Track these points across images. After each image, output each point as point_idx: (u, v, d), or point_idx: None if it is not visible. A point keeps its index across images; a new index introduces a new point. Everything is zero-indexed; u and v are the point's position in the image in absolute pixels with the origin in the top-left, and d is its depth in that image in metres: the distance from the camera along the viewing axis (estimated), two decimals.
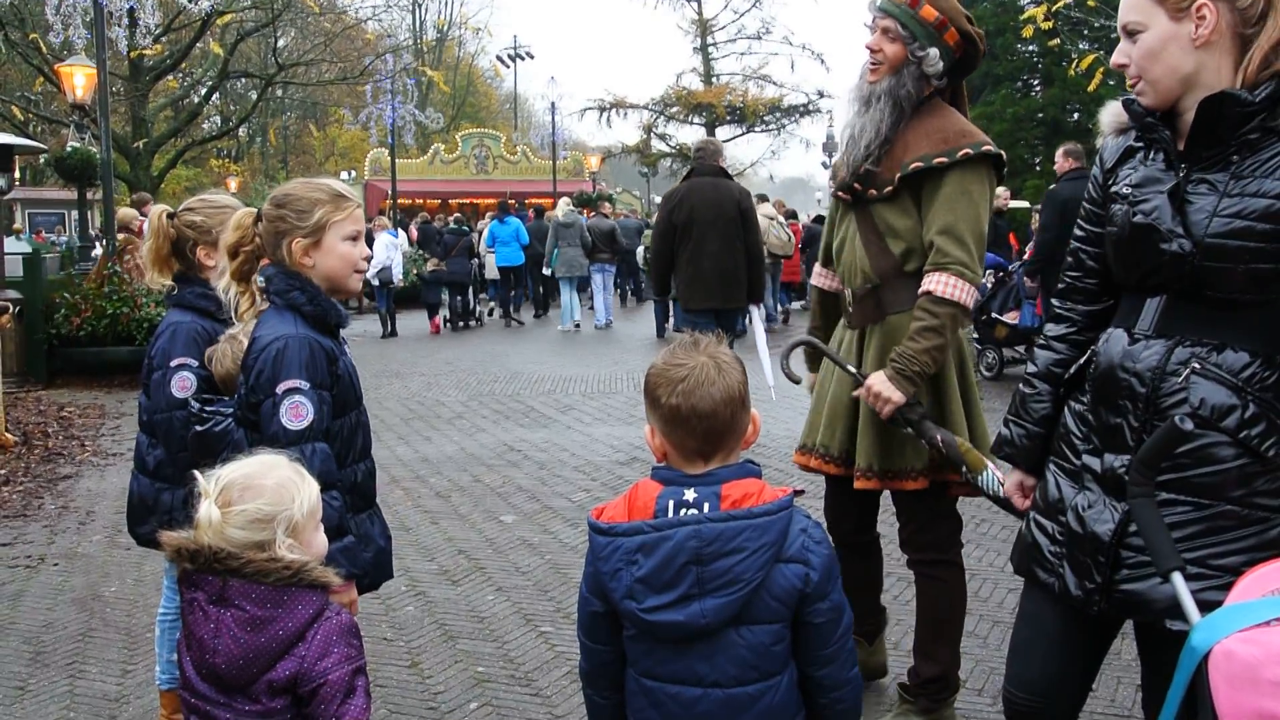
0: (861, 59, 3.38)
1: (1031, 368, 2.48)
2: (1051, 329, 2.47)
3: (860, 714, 2.13)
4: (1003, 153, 3.32)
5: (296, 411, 2.56)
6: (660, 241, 7.98)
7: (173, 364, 3.23)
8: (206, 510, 2.04)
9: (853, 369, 3.34)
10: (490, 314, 19.58)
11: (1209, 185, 2.09)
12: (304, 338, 2.62)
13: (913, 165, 3.23)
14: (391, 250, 16.84)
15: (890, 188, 3.28)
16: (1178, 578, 1.90)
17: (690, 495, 1.97)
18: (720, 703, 1.96)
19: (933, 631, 3.46)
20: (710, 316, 7.75)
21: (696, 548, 1.91)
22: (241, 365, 2.67)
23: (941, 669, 3.42)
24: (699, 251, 7.73)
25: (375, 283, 16.37)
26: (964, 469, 3.16)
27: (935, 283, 3.19)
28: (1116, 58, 2.22)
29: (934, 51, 3.24)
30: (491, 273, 19.02)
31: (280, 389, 2.56)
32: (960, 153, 3.21)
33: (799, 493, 2.03)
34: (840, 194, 3.44)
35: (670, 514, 1.96)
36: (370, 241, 20.96)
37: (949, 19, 3.24)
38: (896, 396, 3.17)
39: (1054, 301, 2.49)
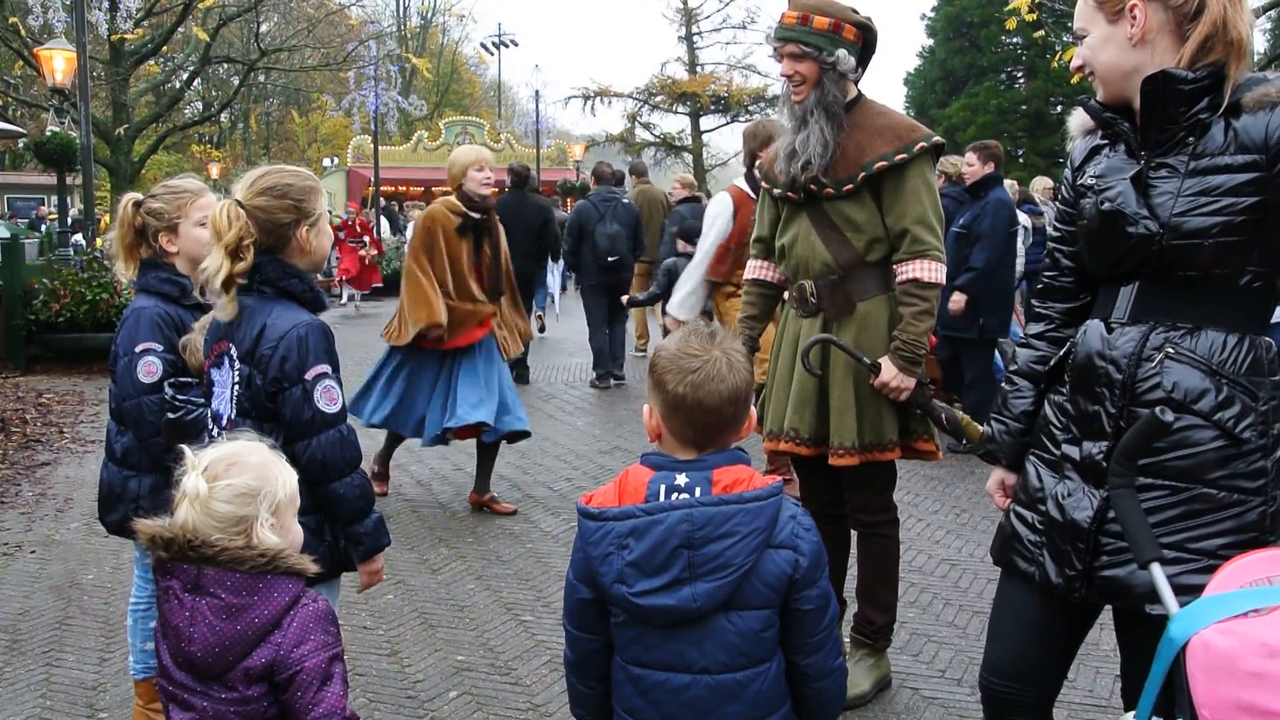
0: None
1: (1013, 365, 2.52)
2: (1032, 327, 2.52)
3: (844, 703, 2.14)
4: (943, 141, 3.60)
5: (330, 395, 2.62)
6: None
7: (137, 349, 3.21)
8: (194, 482, 2.04)
9: (867, 360, 3.52)
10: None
11: (1169, 169, 2.16)
12: (320, 324, 2.66)
13: (877, 165, 3.45)
14: None
15: (850, 186, 3.48)
16: (1156, 568, 1.91)
17: (682, 480, 1.99)
18: (709, 689, 1.96)
19: (885, 583, 3.81)
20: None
21: (688, 531, 1.92)
22: (246, 356, 2.63)
23: (893, 614, 3.84)
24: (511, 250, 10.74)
25: None
26: (964, 439, 3.55)
27: (921, 269, 3.48)
28: (1074, 60, 2.34)
29: (841, 53, 3.46)
30: None
31: (310, 375, 2.59)
32: (917, 146, 3.46)
33: (788, 481, 2.05)
34: (791, 195, 3.63)
35: (662, 499, 1.97)
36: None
37: (840, 19, 3.46)
38: (909, 384, 3.50)
39: (1034, 301, 2.55)
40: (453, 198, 6.02)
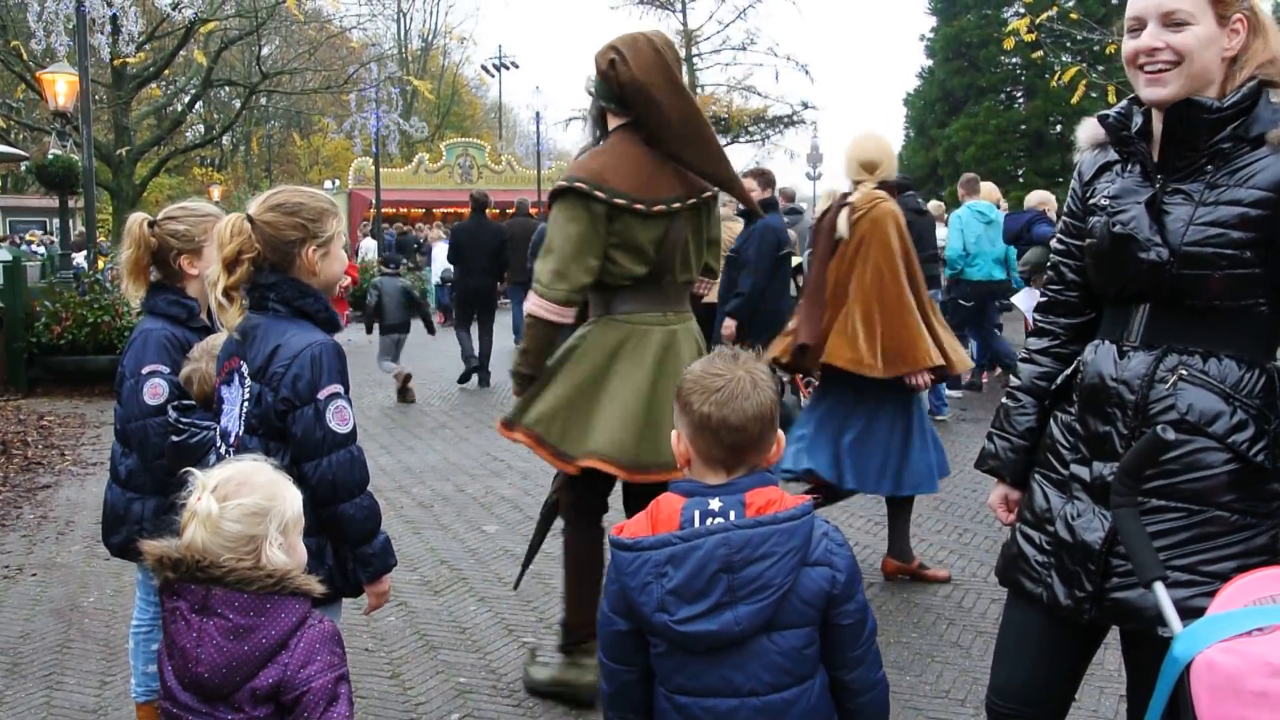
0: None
1: (1015, 381, 2.50)
2: (1034, 343, 2.49)
3: (888, 716, 2.14)
4: (578, 184, 3.60)
5: (342, 415, 2.62)
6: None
7: (144, 371, 3.21)
8: (206, 504, 2.04)
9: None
10: None
11: (1184, 195, 2.14)
12: (334, 344, 2.66)
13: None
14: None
15: None
16: (1160, 588, 1.90)
17: (715, 505, 1.99)
18: (757, 710, 1.97)
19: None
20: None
21: (726, 555, 1.93)
22: (258, 374, 2.63)
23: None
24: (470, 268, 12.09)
25: (438, 282, 19.06)
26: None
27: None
28: (1148, 40, 2.15)
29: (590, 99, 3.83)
30: None
31: (323, 394, 2.59)
32: (556, 187, 3.71)
33: (817, 500, 2.05)
34: None
35: (696, 524, 1.98)
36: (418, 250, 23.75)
37: (596, 65, 3.75)
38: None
39: (1036, 316, 2.52)
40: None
